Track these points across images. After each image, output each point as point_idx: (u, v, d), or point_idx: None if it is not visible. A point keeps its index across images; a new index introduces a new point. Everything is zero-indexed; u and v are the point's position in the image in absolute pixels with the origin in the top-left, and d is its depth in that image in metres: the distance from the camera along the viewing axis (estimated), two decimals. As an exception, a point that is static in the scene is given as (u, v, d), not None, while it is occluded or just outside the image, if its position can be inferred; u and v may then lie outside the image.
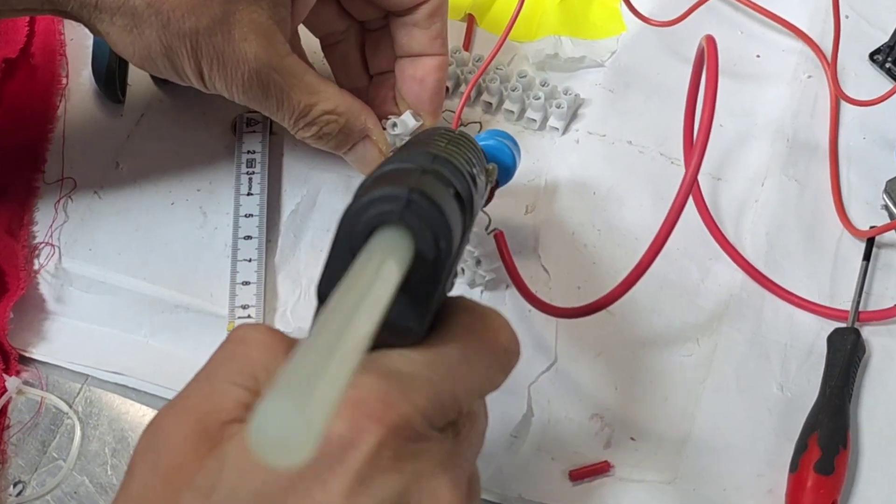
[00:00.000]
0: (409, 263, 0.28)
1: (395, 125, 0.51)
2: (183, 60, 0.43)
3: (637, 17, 0.59)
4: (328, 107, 0.47)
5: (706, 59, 0.41)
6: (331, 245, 0.30)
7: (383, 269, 0.26)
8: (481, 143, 0.47)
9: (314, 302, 0.49)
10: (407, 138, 0.51)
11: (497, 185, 0.47)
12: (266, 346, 0.30)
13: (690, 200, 0.51)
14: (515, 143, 0.48)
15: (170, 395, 0.47)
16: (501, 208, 0.51)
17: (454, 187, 0.32)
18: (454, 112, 0.54)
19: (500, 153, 0.47)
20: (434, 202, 0.29)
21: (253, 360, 0.30)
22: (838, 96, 0.57)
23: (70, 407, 0.48)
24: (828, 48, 0.59)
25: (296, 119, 0.47)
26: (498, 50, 0.54)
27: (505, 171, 0.47)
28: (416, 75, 0.51)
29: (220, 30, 0.43)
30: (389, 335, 0.29)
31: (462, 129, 0.56)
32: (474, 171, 0.36)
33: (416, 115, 0.51)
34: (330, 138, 0.49)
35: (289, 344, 0.31)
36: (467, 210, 0.33)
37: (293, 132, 0.49)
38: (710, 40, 0.42)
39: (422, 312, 0.30)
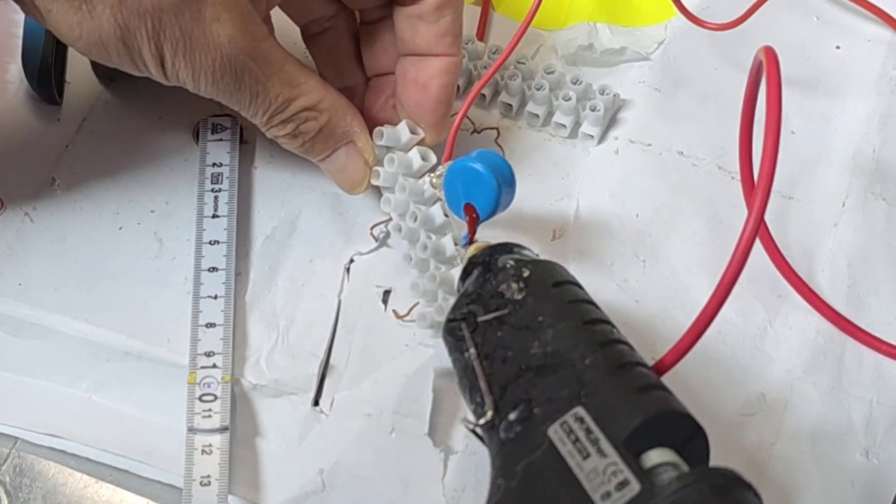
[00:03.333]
0: None
1: (382, 134, 0.51)
2: (142, 44, 0.44)
3: (687, 17, 0.60)
4: (309, 102, 0.49)
5: (766, 76, 0.40)
6: None
7: None
8: (468, 165, 0.47)
9: (293, 350, 0.51)
10: (397, 155, 0.51)
11: (478, 220, 0.47)
12: None
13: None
14: (508, 169, 0.48)
15: (117, 463, 0.49)
16: (521, 233, 0.53)
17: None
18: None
19: (484, 185, 0.47)
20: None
21: None
22: (937, 97, 0.57)
23: (-5, 477, 0.49)
24: (924, 38, 0.60)
25: (270, 115, 0.48)
26: (518, 40, 0.54)
27: (486, 208, 0.47)
28: (417, 79, 0.51)
29: (189, 7, 0.43)
30: None
31: (477, 135, 0.58)
32: None
33: (413, 126, 0.52)
34: (306, 139, 0.50)
35: None
36: None
37: (264, 129, 0.49)
38: (770, 55, 0.40)
39: None
